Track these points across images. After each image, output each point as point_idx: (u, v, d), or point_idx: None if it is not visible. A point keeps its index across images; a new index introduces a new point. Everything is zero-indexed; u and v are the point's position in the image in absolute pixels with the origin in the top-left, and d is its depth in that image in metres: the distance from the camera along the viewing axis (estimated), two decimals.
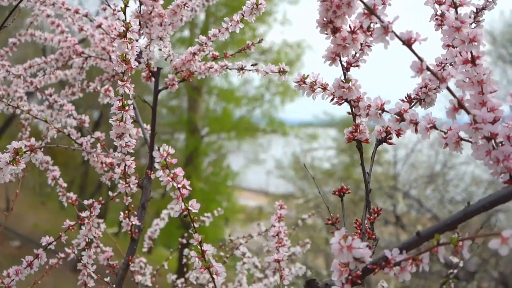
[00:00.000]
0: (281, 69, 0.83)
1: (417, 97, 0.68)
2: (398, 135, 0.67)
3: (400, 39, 0.50)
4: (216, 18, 10.32)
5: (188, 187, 0.62)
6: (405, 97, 0.68)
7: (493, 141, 0.53)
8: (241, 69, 0.96)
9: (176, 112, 11.22)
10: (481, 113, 0.50)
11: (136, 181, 0.90)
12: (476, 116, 0.50)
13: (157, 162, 0.61)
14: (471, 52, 0.53)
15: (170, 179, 0.61)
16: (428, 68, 0.50)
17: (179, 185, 0.62)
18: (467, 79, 0.54)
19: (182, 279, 1.34)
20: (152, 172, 0.97)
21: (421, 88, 0.67)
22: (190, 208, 0.63)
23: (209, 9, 8.28)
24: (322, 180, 9.22)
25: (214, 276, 0.64)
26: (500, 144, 0.52)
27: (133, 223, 0.97)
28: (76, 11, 1.09)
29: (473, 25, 0.72)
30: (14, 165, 0.68)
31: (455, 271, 1.10)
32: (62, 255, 1.12)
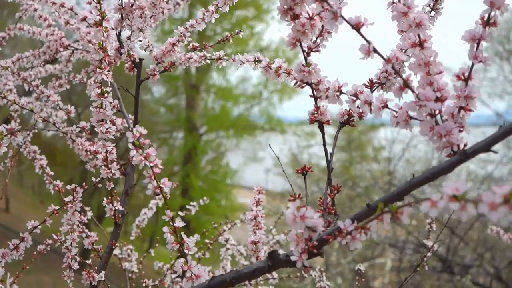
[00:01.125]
0: (256, 59, 0.86)
1: (379, 81, 0.71)
2: (360, 117, 0.70)
3: (349, 23, 0.54)
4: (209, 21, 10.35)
5: (160, 166, 0.66)
6: (367, 82, 0.72)
7: (439, 118, 0.57)
8: (218, 58, 1.00)
9: (174, 110, 11.25)
10: (424, 92, 0.54)
11: (118, 167, 0.94)
12: (420, 95, 0.54)
13: (130, 142, 0.64)
14: (418, 36, 0.57)
15: (143, 158, 0.65)
16: (375, 50, 0.54)
17: (152, 164, 0.66)
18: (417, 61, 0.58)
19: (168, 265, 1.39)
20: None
21: (382, 72, 0.71)
22: (162, 186, 0.67)
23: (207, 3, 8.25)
24: (320, 177, 9.24)
25: (186, 251, 0.68)
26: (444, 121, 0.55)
27: (117, 208, 1.00)
28: (62, 5, 1.12)
29: (432, 12, 0.76)
30: None
31: (429, 254, 1.13)
32: (50, 241, 1.16)
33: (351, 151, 10.12)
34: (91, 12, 1.14)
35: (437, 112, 0.55)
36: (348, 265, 5.43)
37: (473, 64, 0.56)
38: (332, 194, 0.66)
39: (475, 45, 0.56)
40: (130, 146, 0.65)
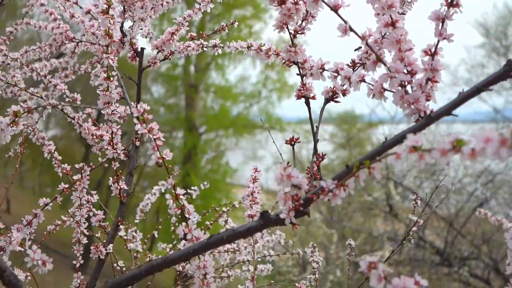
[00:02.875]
0: (249, 45, 0.93)
1: (360, 61, 0.79)
2: (343, 94, 0.78)
3: (328, 5, 0.62)
4: (212, 15, 10.43)
5: (162, 139, 0.74)
6: (350, 62, 0.79)
7: (409, 88, 0.64)
8: (214, 46, 1.07)
9: (174, 110, 11.31)
10: (394, 65, 0.62)
11: (123, 147, 1.01)
12: (391, 67, 0.62)
13: (135, 117, 0.72)
14: (390, 16, 0.64)
15: (147, 131, 0.73)
16: (351, 29, 0.62)
17: (155, 137, 0.73)
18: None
19: (171, 245, 1.46)
20: (138, 140, 1.08)
21: (363, 53, 0.78)
22: (164, 156, 0.74)
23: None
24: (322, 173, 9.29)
25: (187, 215, 0.75)
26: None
27: (122, 187, 1.08)
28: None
29: None
30: (14, 125, 0.79)
31: (415, 228, 1.20)
32: (59, 222, 1.23)
33: (350, 149, 10.20)
34: (95, 6, 1.21)
35: (406, 82, 0.62)
36: (346, 258, 5.50)
37: (438, 41, 0.63)
38: (317, 162, 0.73)
39: (440, 23, 0.63)
40: (135, 121, 0.73)
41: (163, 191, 1.60)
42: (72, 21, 1.25)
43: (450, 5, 0.63)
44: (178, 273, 1.42)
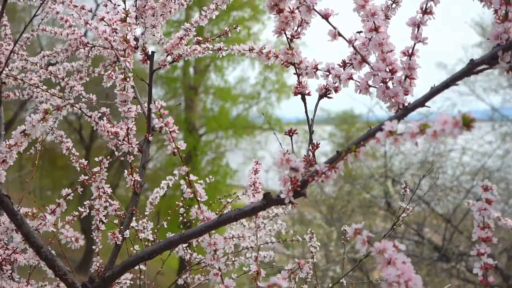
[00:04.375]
0: (251, 48, 1.04)
1: (350, 62, 0.89)
2: (335, 91, 0.88)
3: (320, 14, 0.72)
4: (210, 18, 10.55)
5: (177, 131, 0.84)
6: (341, 62, 0.90)
7: (390, 84, 0.75)
8: (219, 49, 1.18)
9: (173, 112, 11.41)
10: (377, 64, 0.72)
11: (137, 142, 1.12)
12: (374, 67, 0.72)
13: (153, 112, 0.82)
14: (374, 23, 0.75)
15: (164, 125, 0.83)
16: (339, 34, 0.72)
17: (171, 130, 0.83)
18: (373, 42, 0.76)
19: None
20: (150, 135, 1.18)
21: (352, 55, 0.89)
22: (179, 146, 0.84)
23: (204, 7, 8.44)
24: None
25: (199, 198, 0.86)
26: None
27: (136, 179, 1.18)
28: (82, 8, 1.30)
29: (394, 5, 0.94)
30: (44, 122, 0.89)
31: (404, 215, 1.31)
32: (76, 213, 1.33)
33: None
34: (107, 13, 1.32)
35: (387, 79, 0.73)
36: (347, 255, 5.60)
37: (414, 44, 0.74)
38: (313, 150, 0.84)
39: (416, 28, 0.73)
40: (153, 115, 0.83)
41: (170, 185, 1.70)
42: (86, 27, 1.36)
43: (425, 12, 0.73)
44: (186, 262, 1.52)
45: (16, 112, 8.46)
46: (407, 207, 1.30)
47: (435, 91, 0.68)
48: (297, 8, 0.78)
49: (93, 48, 1.40)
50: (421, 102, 0.69)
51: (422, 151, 8.09)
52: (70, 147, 1.32)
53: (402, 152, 7.83)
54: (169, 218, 1.64)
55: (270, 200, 0.78)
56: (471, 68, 0.66)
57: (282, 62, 0.84)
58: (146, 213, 1.60)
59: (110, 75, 1.37)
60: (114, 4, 1.16)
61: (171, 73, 11.42)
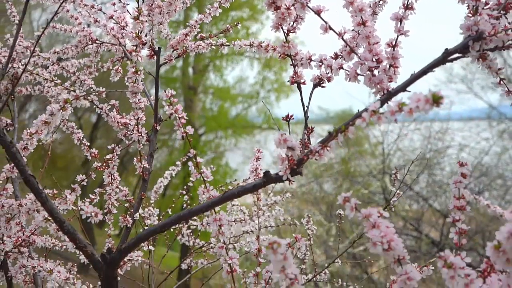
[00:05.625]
0: (251, 43, 1.13)
1: (341, 54, 0.98)
2: (328, 80, 0.97)
3: (312, 10, 0.81)
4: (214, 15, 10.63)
5: (186, 117, 0.93)
6: (333, 54, 0.99)
7: (376, 72, 0.83)
8: (221, 45, 1.27)
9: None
10: (364, 54, 0.81)
11: (146, 131, 1.21)
12: (361, 56, 0.81)
13: (164, 100, 0.91)
14: (361, 17, 0.84)
15: (173, 112, 0.92)
16: (330, 28, 0.81)
17: (179, 116, 0.92)
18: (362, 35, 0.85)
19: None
20: (158, 125, 1.27)
21: (343, 46, 0.98)
22: (187, 131, 0.93)
23: (202, 8, 8.56)
24: (319, 173, 9.49)
25: (205, 178, 0.95)
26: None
27: (144, 166, 1.27)
28: (92, 6, 1.39)
29: (381, 1, 1.02)
30: (63, 111, 0.98)
31: (394, 199, 1.39)
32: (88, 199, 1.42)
33: (349, 147, 10.38)
34: (115, 11, 1.40)
35: (373, 68, 0.81)
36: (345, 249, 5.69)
37: (397, 36, 0.82)
38: (307, 133, 0.93)
39: (399, 22, 0.82)
40: (164, 103, 0.92)
41: (173, 175, 1.79)
42: (96, 25, 1.44)
43: (406, 8, 0.82)
44: (190, 247, 1.61)
45: (17, 113, 8.58)
46: (398, 192, 1.39)
47: (414, 78, 0.77)
48: (293, 5, 0.87)
49: (102, 44, 1.49)
50: (403, 88, 0.78)
51: (420, 148, 8.20)
52: (81, 138, 1.41)
53: (400, 149, 7.93)
54: (173, 205, 1.73)
55: (269, 177, 0.87)
56: (446, 57, 0.75)
57: (279, 54, 0.93)
58: (151, 201, 1.69)
59: (118, 69, 1.46)
60: (124, 3, 1.25)
61: (170, 73, 11.50)
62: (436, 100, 0.58)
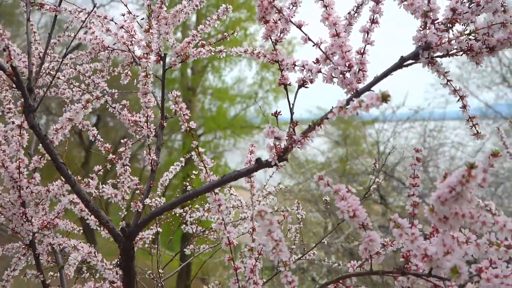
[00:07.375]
0: (246, 50, 1.30)
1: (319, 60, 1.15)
2: (311, 82, 1.14)
3: (294, 24, 0.99)
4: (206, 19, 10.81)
5: (189, 114, 1.10)
6: (315, 59, 1.16)
7: (348, 75, 1.01)
8: (220, 51, 1.44)
9: (172, 113, 11.65)
10: (337, 61, 0.99)
11: (155, 127, 1.38)
12: (335, 62, 0.99)
13: (170, 100, 1.08)
14: (335, 30, 1.01)
15: (178, 109, 1.09)
16: (309, 39, 0.98)
17: (184, 113, 1.10)
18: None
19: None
20: (164, 122, 1.44)
21: (321, 54, 1.15)
22: (190, 125, 1.11)
23: (200, 11, 8.74)
24: (315, 172, 9.64)
25: (206, 165, 1.12)
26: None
27: (153, 158, 1.44)
28: (105, 17, 1.56)
29: (355, 14, 1.20)
30: (85, 109, 1.15)
31: (374, 186, 1.56)
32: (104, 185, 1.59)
33: (346, 146, 10.56)
34: (125, 21, 1.58)
35: (345, 72, 0.99)
36: (341, 245, 5.87)
37: (365, 46, 1.00)
38: (293, 125, 1.10)
39: (366, 34, 1.00)
40: (171, 102, 1.09)
41: (178, 169, 1.97)
42: (107, 33, 1.62)
43: (372, 22, 1.00)
44: (193, 232, 1.78)
45: None
46: (378, 180, 1.56)
47: (375, 80, 0.94)
48: (279, 19, 1.05)
49: (113, 51, 1.66)
50: (367, 88, 0.95)
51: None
52: (96, 134, 1.58)
53: (396, 148, 8.10)
54: (177, 195, 1.90)
55: (260, 163, 1.05)
56: (402, 62, 0.93)
57: (269, 60, 1.11)
58: (157, 192, 1.86)
59: (127, 73, 1.64)
60: (134, 15, 1.42)
61: (169, 75, 11.65)
62: (384, 98, 0.76)
